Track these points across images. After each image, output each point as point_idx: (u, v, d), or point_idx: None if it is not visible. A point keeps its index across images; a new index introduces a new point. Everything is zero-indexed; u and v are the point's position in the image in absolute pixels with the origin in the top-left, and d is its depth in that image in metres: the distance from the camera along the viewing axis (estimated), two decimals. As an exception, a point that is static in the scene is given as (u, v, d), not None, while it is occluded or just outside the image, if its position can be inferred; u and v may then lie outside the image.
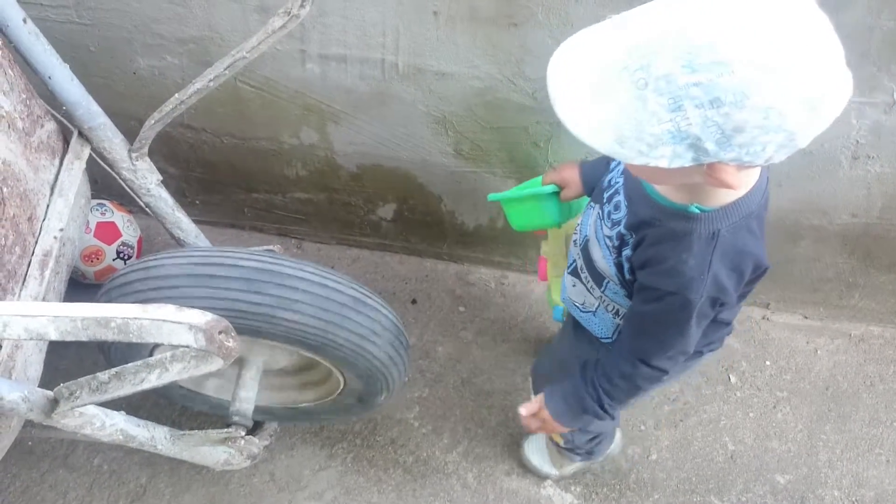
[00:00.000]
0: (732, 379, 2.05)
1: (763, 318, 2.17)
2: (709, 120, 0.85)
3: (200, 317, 0.92)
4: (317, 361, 1.54)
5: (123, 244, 2.04)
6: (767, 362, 2.09)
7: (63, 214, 1.48)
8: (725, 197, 1.06)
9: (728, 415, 2.00)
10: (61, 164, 1.52)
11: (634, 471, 1.91)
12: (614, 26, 0.90)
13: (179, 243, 1.69)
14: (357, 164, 1.99)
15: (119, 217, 2.06)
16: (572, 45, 0.93)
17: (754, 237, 1.11)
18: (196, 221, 1.73)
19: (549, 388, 1.37)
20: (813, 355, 2.11)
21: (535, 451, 1.87)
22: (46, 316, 0.91)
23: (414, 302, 2.17)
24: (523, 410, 1.41)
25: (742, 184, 1.05)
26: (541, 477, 1.89)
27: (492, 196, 1.64)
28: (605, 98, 0.89)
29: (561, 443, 1.71)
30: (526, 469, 1.89)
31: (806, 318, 2.16)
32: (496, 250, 2.18)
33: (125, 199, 1.66)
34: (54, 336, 0.92)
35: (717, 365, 2.07)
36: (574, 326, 1.47)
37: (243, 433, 1.52)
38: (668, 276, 1.10)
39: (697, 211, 1.07)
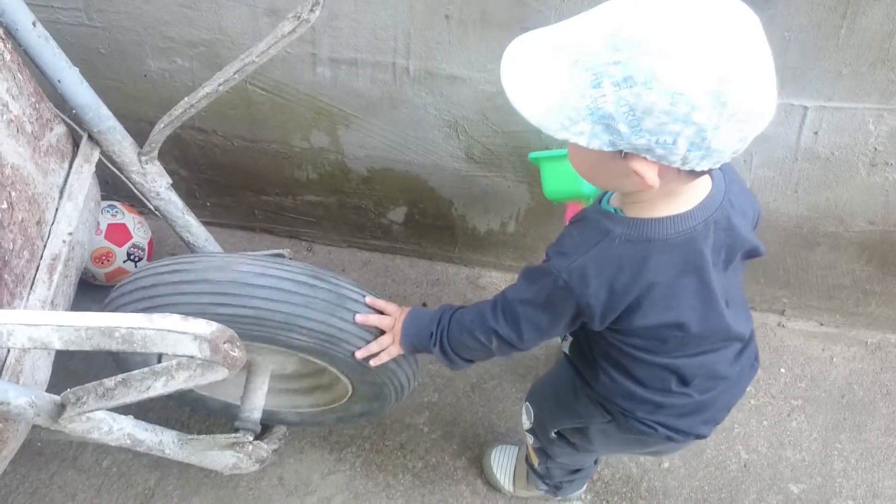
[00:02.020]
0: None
1: (778, 324, 2.14)
2: (622, 99, 0.89)
3: (205, 327, 0.92)
4: (323, 367, 1.53)
5: (134, 246, 2.04)
6: (782, 370, 2.07)
7: (72, 218, 1.48)
8: (645, 213, 1.08)
9: (742, 423, 1.97)
10: (70, 167, 1.51)
11: (646, 479, 1.89)
12: (562, 22, 0.96)
13: (189, 247, 1.69)
14: (368, 167, 1.98)
15: (130, 219, 2.06)
16: (526, 34, 0.99)
17: (641, 260, 1.09)
18: (207, 224, 1.72)
19: (417, 308, 1.39)
20: (828, 363, 2.08)
21: (501, 464, 1.85)
22: (50, 325, 0.90)
23: (424, 305, 2.16)
24: (387, 310, 1.40)
25: (664, 195, 1.05)
26: (493, 487, 1.86)
27: (532, 154, 1.60)
28: (541, 73, 0.95)
29: (536, 464, 1.69)
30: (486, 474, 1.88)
31: (822, 325, 2.14)
32: (507, 254, 2.17)
33: (136, 200, 1.65)
34: (58, 345, 0.91)
35: (730, 372, 2.04)
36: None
37: (251, 438, 1.51)
38: (554, 243, 1.17)
39: (612, 210, 1.12)
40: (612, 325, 1.17)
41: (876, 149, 1.64)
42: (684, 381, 1.25)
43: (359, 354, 1.39)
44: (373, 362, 1.40)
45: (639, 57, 0.87)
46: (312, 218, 2.21)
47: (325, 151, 1.97)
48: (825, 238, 1.88)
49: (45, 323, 0.90)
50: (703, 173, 0.99)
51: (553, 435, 1.53)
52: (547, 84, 0.94)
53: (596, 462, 1.71)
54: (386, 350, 1.39)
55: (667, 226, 1.07)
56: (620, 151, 0.95)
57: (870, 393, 2.03)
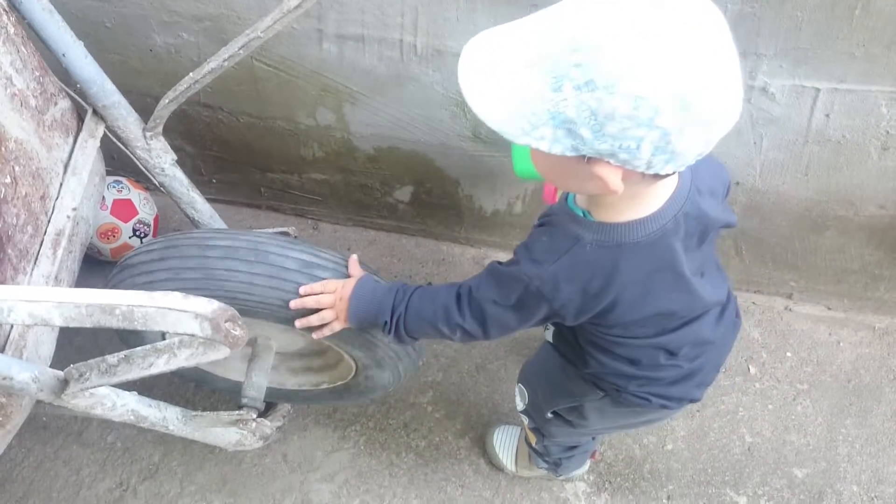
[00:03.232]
0: (752, 370, 2.02)
1: (785, 308, 2.13)
2: (583, 103, 0.86)
3: (206, 305, 0.91)
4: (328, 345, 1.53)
5: (140, 222, 2.03)
6: (788, 353, 2.06)
7: (76, 193, 1.47)
8: (613, 216, 1.07)
9: (746, 406, 1.97)
10: (75, 142, 1.51)
11: (649, 460, 1.89)
12: (524, 18, 0.92)
13: (194, 223, 1.68)
14: (374, 145, 1.97)
15: (136, 194, 2.06)
16: (486, 32, 0.95)
17: (612, 265, 1.08)
18: (213, 201, 1.72)
19: (367, 277, 1.34)
20: (835, 347, 2.07)
21: (503, 444, 1.85)
22: (51, 302, 0.90)
23: (429, 285, 2.15)
24: (327, 285, 1.34)
25: (630, 197, 1.03)
26: (496, 467, 1.87)
27: None
28: (499, 75, 0.91)
29: (533, 442, 1.69)
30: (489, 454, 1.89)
31: (829, 309, 2.12)
32: (513, 235, 2.15)
33: (142, 176, 1.65)
34: (59, 322, 0.91)
35: (736, 356, 2.03)
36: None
37: (255, 415, 1.52)
38: (524, 247, 1.15)
39: (581, 214, 1.10)
40: (591, 321, 1.17)
41: (888, 132, 1.62)
42: (672, 353, 1.25)
43: (298, 324, 1.36)
44: (315, 335, 1.37)
45: (600, 60, 0.84)
46: (318, 196, 2.20)
47: (331, 129, 1.95)
48: (834, 222, 1.86)
49: (45, 299, 0.90)
50: (667, 176, 0.97)
51: (549, 415, 1.53)
52: (506, 88, 0.91)
53: (594, 438, 1.71)
54: (328, 325, 1.35)
55: (636, 229, 1.06)
56: (584, 156, 0.93)
57: (876, 378, 2.02)
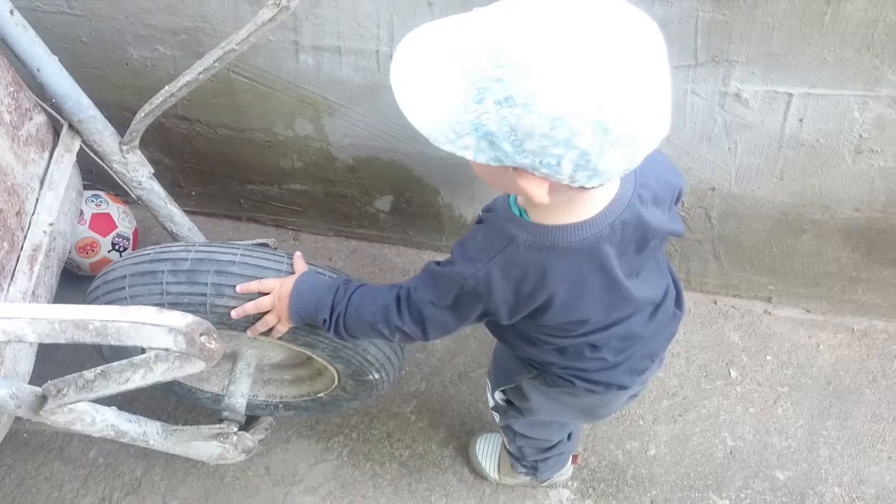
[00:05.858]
0: (732, 373, 2.03)
1: (764, 311, 2.14)
2: (503, 118, 0.86)
3: (181, 319, 0.91)
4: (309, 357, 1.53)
5: (119, 236, 2.03)
6: (768, 357, 2.07)
7: (53, 208, 1.47)
8: (549, 218, 1.07)
9: (728, 410, 1.98)
10: (51, 157, 1.51)
11: (632, 466, 1.89)
12: (460, 19, 0.92)
13: (172, 236, 1.68)
14: (353, 155, 1.97)
15: (114, 208, 2.05)
16: (421, 31, 0.94)
17: (544, 267, 1.09)
18: (192, 213, 1.71)
19: (309, 273, 1.35)
20: (815, 350, 2.08)
21: (486, 452, 1.86)
22: (24, 318, 0.89)
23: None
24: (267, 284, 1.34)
25: (566, 201, 1.03)
26: (479, 475, 1.87)
27: None
28: (430, 81, 0.91)
29: (507, 445, 1.70)
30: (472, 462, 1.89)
31: (808, 312, 2.14)
32: (494, 243, 2.16)
33: (121, 189, 1.65)
34: (32, 338, 0.91)
35: (717, 359, 2.04)
36: None
37: (235, 429, 1.51)
38: (459, 246, 1.15)
39: (517, 213, 1.10)
40: (525, 319, 1.18)
41: (861, 136, 1.64)
42: (597, 347, 1.26)
43: (249, 332, 1.37)
44: (269, 336, 1.39)
45: (519, 77, 0.84)
46: (298, 207, 2.20)
47: (309, 140, 1.95)
48: (811, 225, 1.88)
49: (18, 316, 0.90)
50: (594, 188, 0.97)
51: (501, 401, 1.53)
52: (435, 94, 0.90)
53: (570, 438, 1.69)
54: (274, 329, 1.36)
55: (571, 233, 1.06)
56: (508, 166, 0.93)
57: (856, 380, 2.03)
